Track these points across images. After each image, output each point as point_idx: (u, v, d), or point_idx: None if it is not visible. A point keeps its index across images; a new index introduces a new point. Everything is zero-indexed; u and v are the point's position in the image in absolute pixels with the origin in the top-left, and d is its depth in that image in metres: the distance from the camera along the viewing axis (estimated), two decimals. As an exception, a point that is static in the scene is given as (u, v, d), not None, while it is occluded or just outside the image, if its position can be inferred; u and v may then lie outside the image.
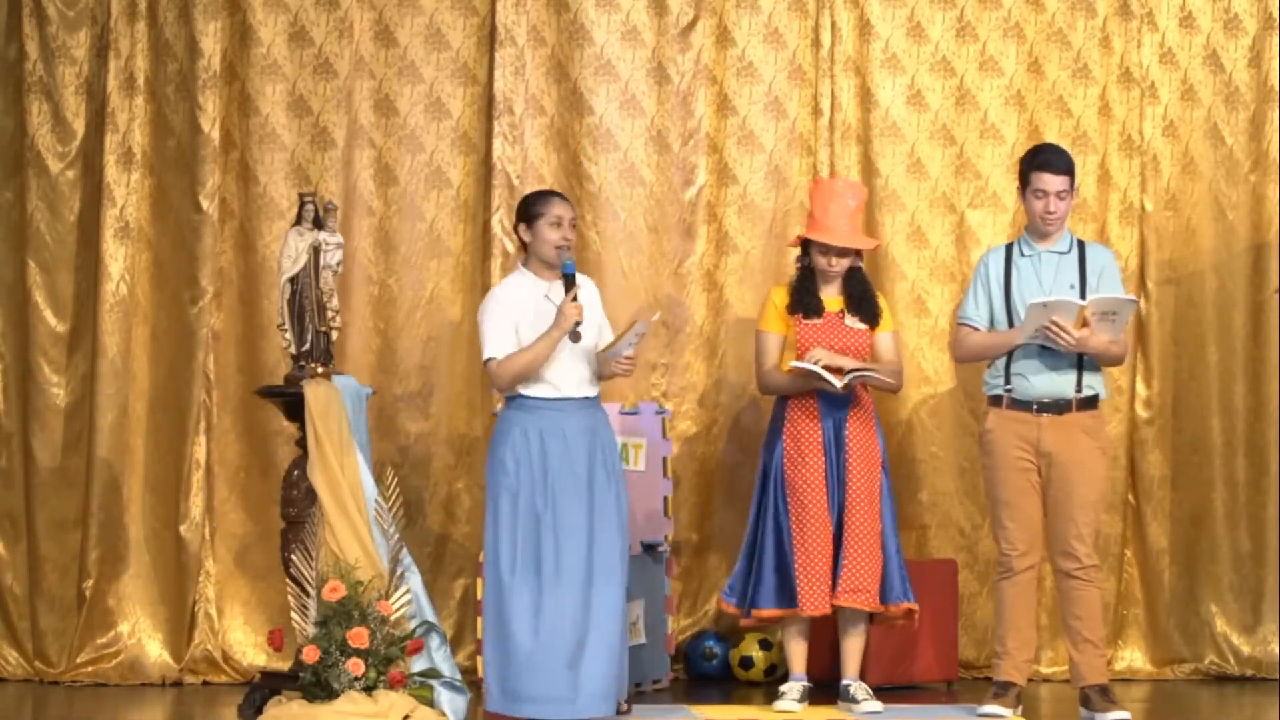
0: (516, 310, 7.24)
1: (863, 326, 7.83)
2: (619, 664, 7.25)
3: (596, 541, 7.20)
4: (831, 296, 7.88)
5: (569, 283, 7.19)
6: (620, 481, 7.32)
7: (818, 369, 7.62)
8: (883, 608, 7.78)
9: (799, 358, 7.72)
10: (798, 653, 7.84)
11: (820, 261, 7.84)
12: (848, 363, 7.66)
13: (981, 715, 7.47)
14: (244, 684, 8.22)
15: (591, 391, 7.32)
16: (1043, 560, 7.61)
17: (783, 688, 7.79)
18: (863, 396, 7.85)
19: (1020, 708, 7.57)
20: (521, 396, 7.26)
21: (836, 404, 7.78)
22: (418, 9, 8.85)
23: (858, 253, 7.91)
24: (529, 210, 7.32)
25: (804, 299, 7.85)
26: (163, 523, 8.72)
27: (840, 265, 7.83)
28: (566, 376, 7.26)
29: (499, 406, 8.54)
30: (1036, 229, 7.57)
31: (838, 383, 7.62)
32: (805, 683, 7.79)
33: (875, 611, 7.78)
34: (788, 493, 7.77)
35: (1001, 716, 7.46)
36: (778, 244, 8.83)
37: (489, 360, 7.23)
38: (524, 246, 7.37)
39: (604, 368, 7.32)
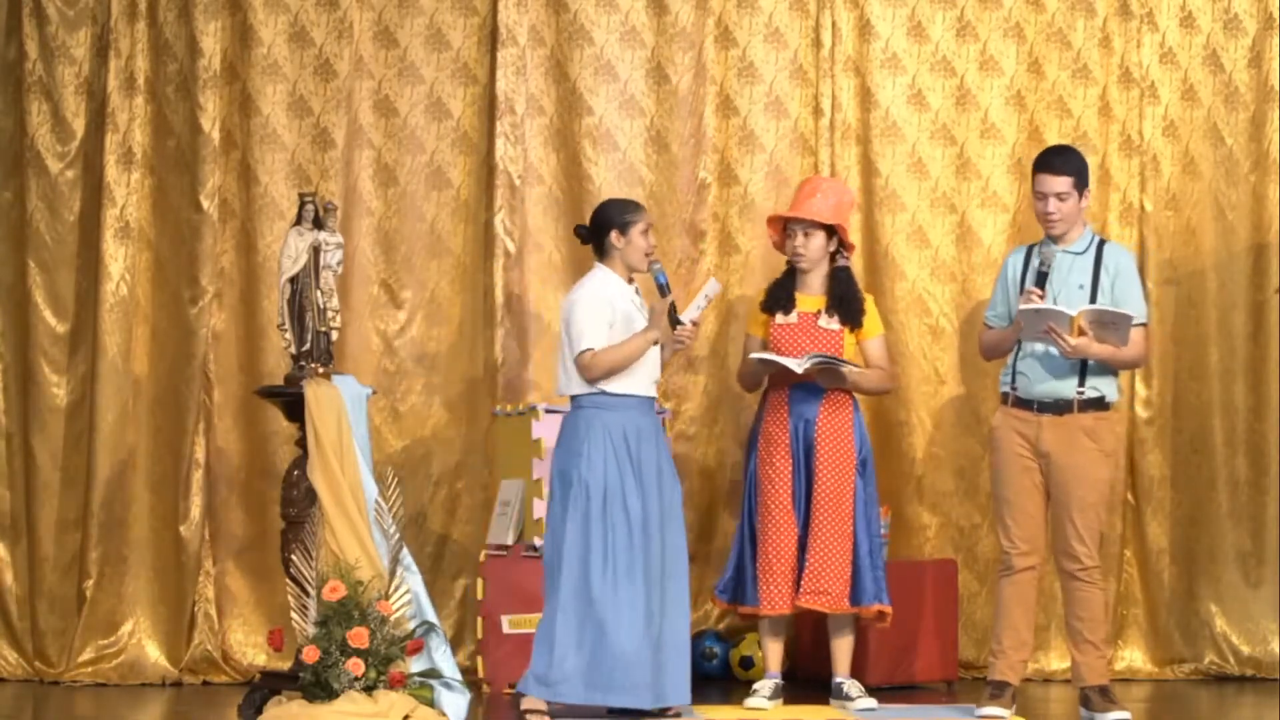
0: (610, 307, 7.38)
1: (837, 328, 7.85)
2: (687, 661, 7.45)
3: (669, 537, 7.40)
4: (812, 296, 7.90)
5: (663, 289, 7.37)
6: (678, 480, 7.52)
7: (770, 356, 7.67)
8: (852, 609, 7.79)
9: None
10: (772, 650, 7.87)
11: (786, 246, 7.86)
12: (792, 362, 7.69)
13: (980, 716, 7.47)
14: (244, 684, 8.22)
15: (655, 392, 7.51)
16: (1044, 561, 7.60)
17: (756, 685, 7.82)
18: (839, 397, 7.86)
19: (1015, 707, 7.57)
20: (605, 394, 7.37)
21: (805, 405, 7.80)
22: (418, 9, 8.85)
23: (840, 250, 7.92)
24: (622, 217, 7.46)
25: (776, 295, 7.89)
26: (163, 523, 8.72)
27: (809, 249, 7.84)
28: (645, 377, 7.44)
29: (501, 407, 8.55)
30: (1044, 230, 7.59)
31: (797, 367, 7.65)
32: (778, 680, 7.82)
33: (843, 613, 7.79)
34: (757, 493, 7.80)
35: (1001, 717, 7.46)
36: (778, 244, 8.86)
37: (585, 351, 7.32)
38: (599, 249, 7.49)
39: (665, 349, 7.49)
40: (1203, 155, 9.02)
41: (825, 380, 7.78)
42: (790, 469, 7.77)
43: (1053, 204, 7.49)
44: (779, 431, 7.82)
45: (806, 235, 7.86)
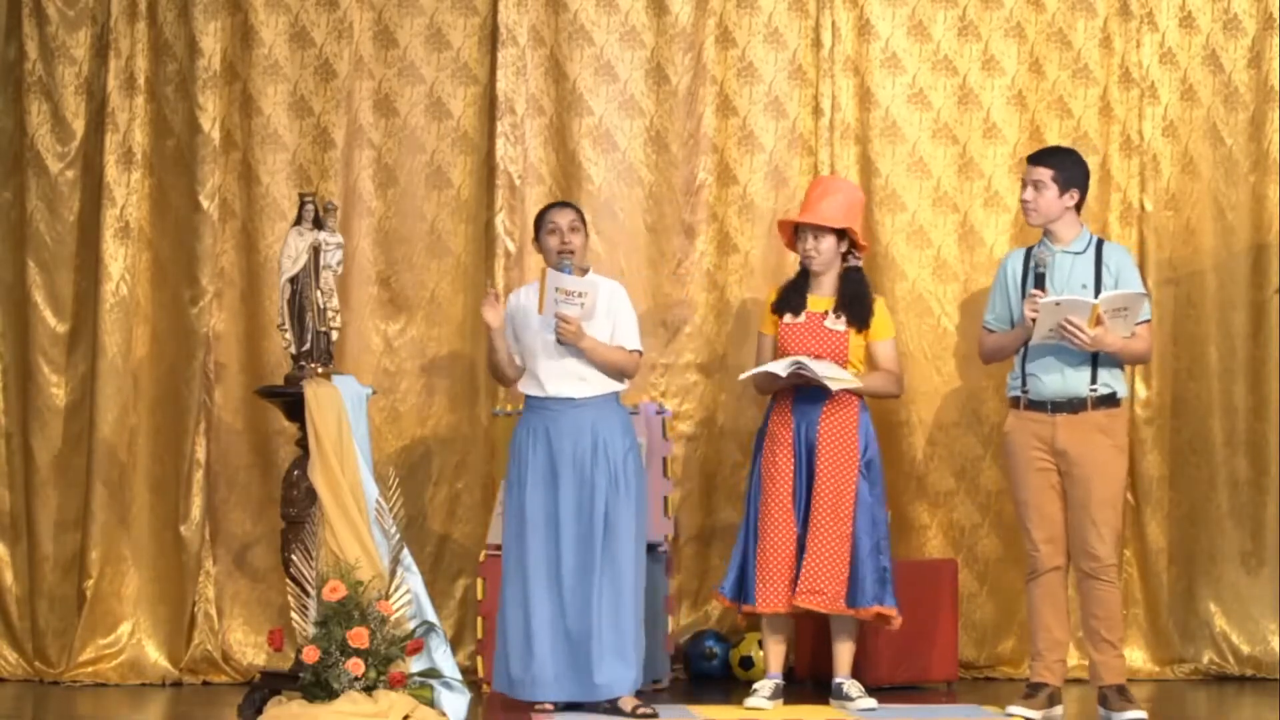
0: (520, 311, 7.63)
1: (843, 329, 7.85)
2: (622, 655, 7.40)
3: (591, 538, 7.42)
4: (822, 297, 7.91)
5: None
6: (626, 480, 7.48)
7: (755, 370, 7.80)
8: (850, 610, 7.77)
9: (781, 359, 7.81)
10: (774, 651, 7.88)
11: (799, 248, 7.89)
12: (776, 365, 7.74)
13: (1008, 714, 7.49)
14: (244, 684, 8.22)
15: (579, 393, 7.50)
16: (1068, 561, 7.59)
17: (756, 685, 7.82)
18: (844, 398, 7.86)
19: (1057, 708, 7.55)
20: (526, 394, 7.59)
21: (809, 405, 7.81)
22: (418, 9, 8.85)
23: (852, 250, 7.94)
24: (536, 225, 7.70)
25: (787, 296, 7.92)
26: (163, 523, 8.72)
27: (820, 251, 7.86)
28: (535, 376, 7.56)
29: (501, 407, 8.57)
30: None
31: (782, 370, 7.70)
32: (779, 680, 7.82)
33: (842, 614, 7.79)
34: (760, 492, 7.82)
35: (1025, 717, 7.46)
36: (778, 244, 8.81)
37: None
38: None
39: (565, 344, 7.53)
40: (1202, 155, 9.01)
41: (813, 384, 7.80)
42: (792, 468, 7.78)
43: (1029, 192, 7.59)
44: (783, 431, 7.83)
45: (816, 238, 7.88)
